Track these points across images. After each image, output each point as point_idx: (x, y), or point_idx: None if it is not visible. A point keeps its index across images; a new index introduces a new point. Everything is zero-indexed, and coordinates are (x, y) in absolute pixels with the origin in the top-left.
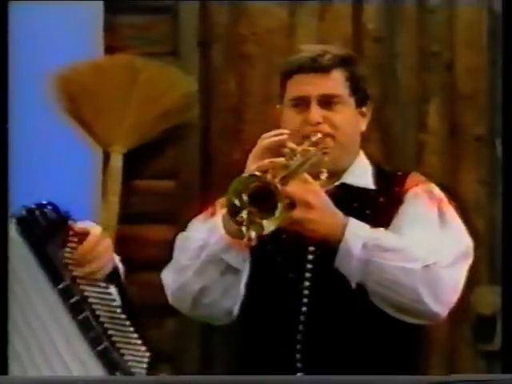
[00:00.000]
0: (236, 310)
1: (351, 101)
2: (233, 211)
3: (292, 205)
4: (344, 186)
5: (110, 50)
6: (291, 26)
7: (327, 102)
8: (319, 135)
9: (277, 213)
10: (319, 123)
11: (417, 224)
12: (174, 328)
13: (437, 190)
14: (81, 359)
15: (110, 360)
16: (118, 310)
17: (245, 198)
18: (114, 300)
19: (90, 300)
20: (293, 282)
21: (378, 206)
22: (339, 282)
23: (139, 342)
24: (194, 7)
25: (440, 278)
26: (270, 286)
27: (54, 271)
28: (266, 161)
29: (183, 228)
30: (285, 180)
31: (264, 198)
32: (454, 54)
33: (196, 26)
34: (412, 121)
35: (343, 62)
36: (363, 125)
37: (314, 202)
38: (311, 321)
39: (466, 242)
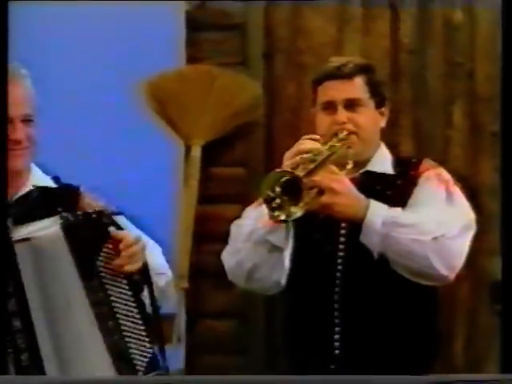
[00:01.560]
0: (283, 281)
1: (371, 103)
2: (268, 200)
3: (321, 192)
4: (368, 172)
5: (191, 60)
6: (339, 41)
7: (351, 105)
8: (345, 133)
9: (302, 202)
10: (344, 123)
11: (428, 202)
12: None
13: (445, 173)
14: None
15: (118, 352)
16: (135, 310)
17: (277, 189)
18: (132, 300)
19: (112, 298)
20: (329, 253)
21: (396, 187)
22: (367, 252)
23: (147, 339)
24: (259, 25)
25: (447, 247)
26: (311, 258)
27: (89, 270)
28: (297, 157)
29: None
30: (313, 172)
31: (293, 189)
32: (475, 64)
33: (261, 40)
34: (439, 119)
35: (363, 70)
36: (383, 122)
37: (338, 188)
38: (345, 284)
39: (470, 216)
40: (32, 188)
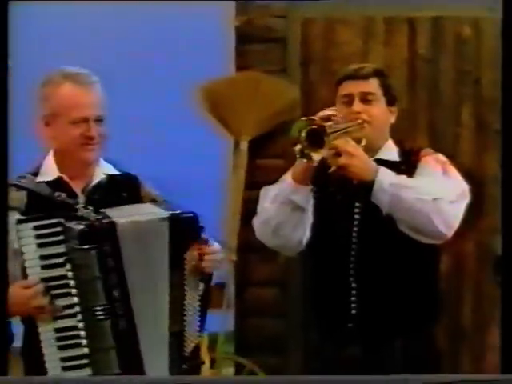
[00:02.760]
0: (304, 241)
1: (383, 100)
2: (293, 143)
3: (338, 154)
4: (378, 160)
5: (239, 68)
6: (365, 51)
7: (366, 99)
8: (359, 120)
9: (322, 150)
10: (359, 113)
11: (426, 175)
12: (281, 264)
13: (441, 156)
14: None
15: (177, 342)
16: (197, 303)
17: (303, 134)
18: (200, 289)
19: (185, 286)
20: (348, 212)
21: (400, 171)
22: (379, 210)
23: (198, 329)
24: (297, 38)
25: (446, 208)
26: (331, 217)
27: (176, 261)
28: (327, 112)
29: None
30: (334, 136)
31: (316, 137)
32: (480, 72)
33: (299, 51)
34: (450, 119)
35: (377, 74)
36: (392, 119)
37: (354, 152)
38: (359, 251)
39: (464, 186)
40: (103, 176)
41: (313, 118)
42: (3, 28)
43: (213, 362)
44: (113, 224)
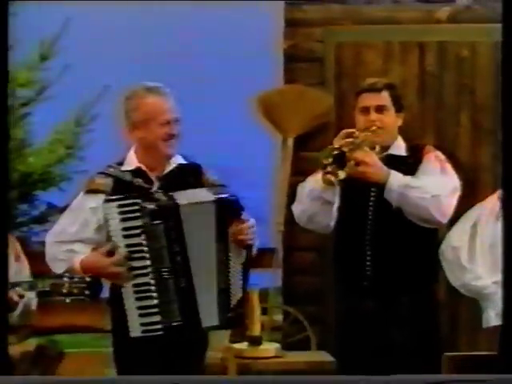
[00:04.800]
0: (332, 224)
1: (393, 108)
2: (323, 166)
3: (357, 164)
4: (390, 155)
5: (287, 81)
6: (384, 69)
7: (379, 109)
8: (374, 127)
9: (346, 168)
10: (374, 121)
11: (428, 173)
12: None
13: (441, 154)
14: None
15: (224, 296)
16: (240, 267)
17: (330, 159)
18: (242, 260)
19: (230, 257)
20: (365, 198)
21: (408, 164)
22: (388, 207)
23: (241, 287)
24: (332, 58)
25: (441, 202)
26: (353, 201)
27: (221, 236)
28: (343, 141)
29: None
30: (353, 150)
31: (340, 160)
32: (475, 85)
33: (333, 68)
34: (451, 121)
35: (388, 87)
36: (400, 122)
37: (369, 161)
38: (374, 227)
39: (456, 183)
40: (174, 166)
41: (336, 146)
42: (3, 28)
43: (264, 311)
44: (177, 205)
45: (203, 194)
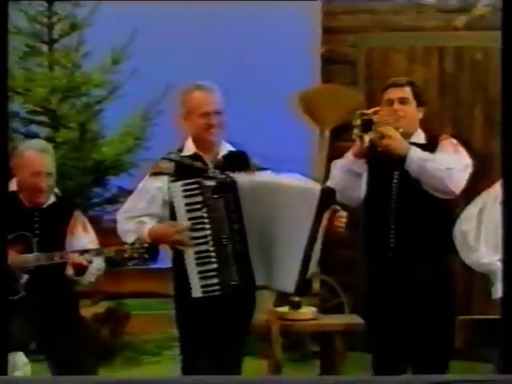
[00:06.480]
0: (362, 196)
1: (414, 102)
2: (354, 127)
3: (382, 137)
4: (411, 142)
5: (324, 81)
6: (409, 70)
7: (402, 101)
8: (397, 116)
9: (371, 132)
10: (397, 110)
11: (443, 152)
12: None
13: (454, 140)
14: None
15: (305, 266)
16: (319, 247)
17: (358, 122)
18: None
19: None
20: (390, 175)
21: (426, 150)
22: (410, 175)
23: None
24: (363, 61)
25: (455, 174)
26: (379, 177)
27: (317, 224)
28: (375, 109)
29: None
30: (380, 124)
31: (367, 125)
32: (488, 83)
33: (364, 70)
34: (467, 115)
35: (409, 83)
36: (420, 115)
37: (392, 135)
38: (398, 194)
39: (468, 161)
40: (225, 152)
41: (365, 111)
42: (3, 28)
43: None
44: (234, 181)
45: (261, 176)
